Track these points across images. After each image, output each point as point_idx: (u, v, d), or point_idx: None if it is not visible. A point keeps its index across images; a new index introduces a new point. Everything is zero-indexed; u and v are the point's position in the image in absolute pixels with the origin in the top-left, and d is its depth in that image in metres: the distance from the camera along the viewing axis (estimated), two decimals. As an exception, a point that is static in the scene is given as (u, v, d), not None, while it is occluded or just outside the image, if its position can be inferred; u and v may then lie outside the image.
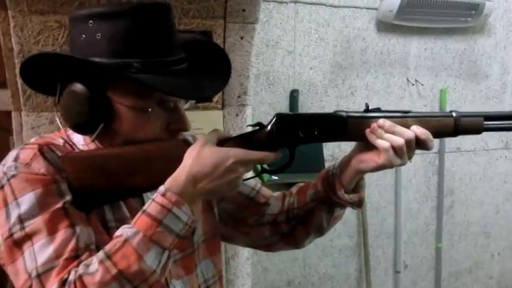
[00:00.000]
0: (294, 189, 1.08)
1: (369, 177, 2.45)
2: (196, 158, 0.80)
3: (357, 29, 2.43)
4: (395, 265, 2.68)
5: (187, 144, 0.86)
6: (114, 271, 0.73)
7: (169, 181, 0.79)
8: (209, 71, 0.91)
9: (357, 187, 0.96)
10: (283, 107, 2.33)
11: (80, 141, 0.89)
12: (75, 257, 0.76)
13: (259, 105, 2.26)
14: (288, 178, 2.10)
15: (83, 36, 0.82)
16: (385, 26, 2.46)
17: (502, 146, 2.82)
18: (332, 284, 2.58)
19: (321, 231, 1.04)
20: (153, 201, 0.78)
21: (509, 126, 0.91)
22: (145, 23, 0.82)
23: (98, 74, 0.82)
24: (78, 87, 0.82)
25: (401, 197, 2.63)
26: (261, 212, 1.07)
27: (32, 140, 0.87)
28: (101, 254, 0.75)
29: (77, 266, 0.74)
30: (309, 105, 2.38)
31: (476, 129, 0.88)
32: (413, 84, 2.57)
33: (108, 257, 0.74)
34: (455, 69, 2.65)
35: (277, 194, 1.10)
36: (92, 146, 0.88)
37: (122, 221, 0.86)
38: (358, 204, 0.97)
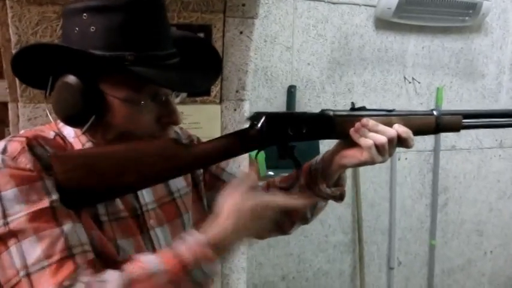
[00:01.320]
0: (277, 179, 1.10)
1: (364, 174, 2.49)
2: (237, 212, 0.80)
3: (355, 25, 2.42)
4: (389, 261, 2.68)
5: (177, 142, 0.86)
6: None
7: (213, 232, 0.79)
8: (200, 67, 0.92)
9: (339, 180, 0.99)
10: (281, 103, 2.32)
11: (70, 133, 0.88)
12: (67, 257, 0.74)
13: (256, 100, 2.25)
14: (284, 174, 2.09)
15: (77, 29, 0.81)
16: (383, 24, 2.44)
17: (496, 145, 2.82)
18: (326, 279, 2.58)
19: (305, 221, 1.07)
20: (190, 246, 0.77)
21: (486, 124, 0.95)
22: (139, 16, 0.82)
23: (92, 66, 0.81)
24: (71, 79, 0.81)
25: (396, 194, 2.63)
26: None
27: (22, 132, 0.86)
28: (124, 276, 0.73)
29: (74, 271, 0.73)
30: (306, 101, 2.37)
31: (456, 127, 0.92)
32: (410, 82, 2.56)
33: (130, 283, 0.73)
34: (452, 68, 2.65)
35: (262, 183, 1.12)
36: (83, 139, 0.88)
37: (114, 214, 0.85)
38: (340, 197, 1.00)
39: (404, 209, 2.69)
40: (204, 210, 1.06)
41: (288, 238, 2.45)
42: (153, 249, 0.90)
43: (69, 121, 0.84)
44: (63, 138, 0.88)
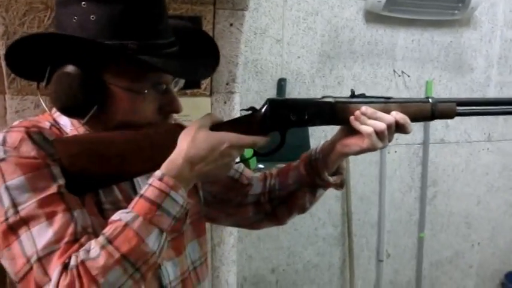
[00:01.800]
0: (274, 171, 1.12)
1: (353, 168, 2.51)
2: (192, 142, 0.81)
3: (345, 19, 2.43)
4: (378, 254, 2.71)
5: (182, 128, 0.86)
6: (117, 255, 0.73)
7: (165, 165, 0.80)
8: (198, 55, 0.93)
9: (339, 169, 1.02)
10: (271, 96, 2.31)
11: (67, 124, 0.88)
12: (75, 240, 0.75)
13: (246, 93, 2.25)
14: (274, 167, 2.10)
15: (75, 17, 0.80)
16: (373, 17, 2.46)
17: (484, 138, 2.86)
18: (316, 272, 2.60)
19: (303, 210, 1.09)
20: (151, 186, 0.78)
21: (479, 112, 0.99)
22: (139, 4, 0.82)
23: (93, 56, 0.81)
24: (72, 68, 0.80)
25: (386, 187, 2.65)
26: (244, 193, 1.10)
27: (16, 122, 0.85)
28: (101, 239, 0.75)
29: (77, 250, 0.74)
30: (296, 95, 2.37)
31: (450, 114, 0.95)
32: (399, 76, 2.58)
33: (110, 241, 0.74)
34: (441, 62, 2.67)
35: (258, 174, 1.14)
36: (81, 130, 0.87)
37: (115, 204, 0.86)
38: (341, 184, 1.03)
39: (394, 202, 2.71)
40: (200, 202, 1.06)
41: (278, 231, 2.46)
42: None
43: (69, 112, 0.84)
44: (59, 128, 0.87)
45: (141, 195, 0.78)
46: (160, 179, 0.78)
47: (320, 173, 1.00)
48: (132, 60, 0.80)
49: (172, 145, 0.82)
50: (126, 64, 0.82)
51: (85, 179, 0.81)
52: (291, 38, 2.34)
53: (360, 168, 2.58)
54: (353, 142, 0.92)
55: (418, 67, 2.62)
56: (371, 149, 0.90)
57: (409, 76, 2.60)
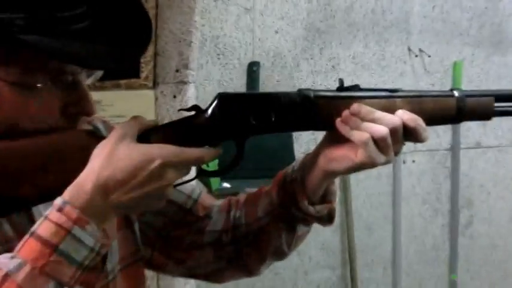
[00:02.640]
0: (242, 198, 1.10)
1: (356, 184, 2.54)
2: (108, 159, 0.80)
3: (340, -22, 2.48)
4: (394, 306, 2.75)
5: (95, 137, 0.87)
6: None
7: (69, 190, 0.78)
8: (120, 33, 0.92)
9: (326, 195, 0.99)
10: (239, 86, 2.35)
11: None
12: None
13: (204, 83, 2.26)
14: (246, 186, 2.11)
15: None
16: (378, -25, 2.52)
17: (535, 140, 2.93)
18: (307, 333, 2.62)
19: (280, 256, 1.07)
20: (46, 219, 0.76)
21: None
22: None
23: None
24: None
25: (402, 212, 2.69)
26: (200, 229, 1.09)
27: None
28: None
29: None
30: (274, 84, 2.40)
31: (485, 114, 0.94)
32: (416, 56, 2.64)
33: None
34: (473, 36, 2.73)
35: (220, 202, 1.12)
36: None
37: (5, 244, 0.85)
38: (328, 218, 1.00)
39: (413, 232, 2.75)
40: (136, 240, 1.06)
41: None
42: None
43: None
44: None
45: (32, 233, 0.76)
46: (60, 210, 0.76)
47: (298, 201, 0.97)
48: (14, 42, 0.79)
49: (79, 160, 0.81)
50: (11, 49, 0.81)
51: None
52: (265, 6, 2.37)
53: (364, 185, 2.62)
54: (342, 155, 0.90)
55: (442, 43, 2.68)
56: (368, 164, 0.88)
57: (429, 56, 2.66)
